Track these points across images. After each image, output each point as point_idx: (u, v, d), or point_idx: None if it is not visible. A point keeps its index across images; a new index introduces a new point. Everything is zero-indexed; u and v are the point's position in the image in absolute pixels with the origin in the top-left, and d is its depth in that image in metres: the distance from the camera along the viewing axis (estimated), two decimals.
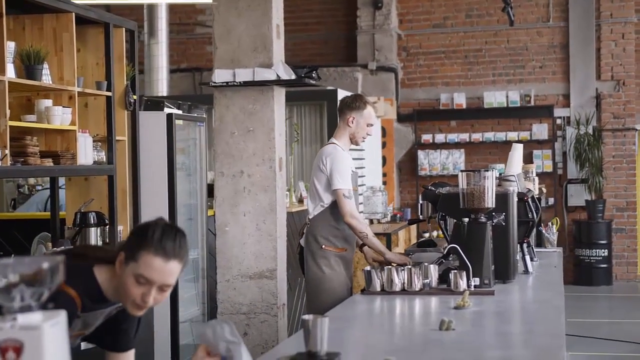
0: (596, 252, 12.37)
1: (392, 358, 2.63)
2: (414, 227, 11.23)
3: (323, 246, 5.26)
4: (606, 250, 12.39)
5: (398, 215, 10.76)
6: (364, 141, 5.54)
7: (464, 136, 12.94)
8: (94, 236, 5.51)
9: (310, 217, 5.36)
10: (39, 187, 8.55)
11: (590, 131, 12.50)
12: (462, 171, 4.51)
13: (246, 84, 5.80)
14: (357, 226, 5.17)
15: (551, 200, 12.67)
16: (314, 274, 5.29)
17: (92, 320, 2.80)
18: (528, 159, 12.54)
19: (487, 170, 4.48)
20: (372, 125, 5.42)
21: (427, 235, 12.03)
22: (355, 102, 5.39)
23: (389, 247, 8.80)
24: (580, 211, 12.79)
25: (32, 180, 8.48)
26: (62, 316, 1.82)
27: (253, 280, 5.78)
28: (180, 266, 2.66)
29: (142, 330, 3.02)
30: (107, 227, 5.69)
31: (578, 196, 12.72)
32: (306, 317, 2.75)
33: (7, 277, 1.79)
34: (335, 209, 5.23)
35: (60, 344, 1.81)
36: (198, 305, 6.94)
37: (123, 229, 5.94)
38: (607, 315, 10.76)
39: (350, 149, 7.12)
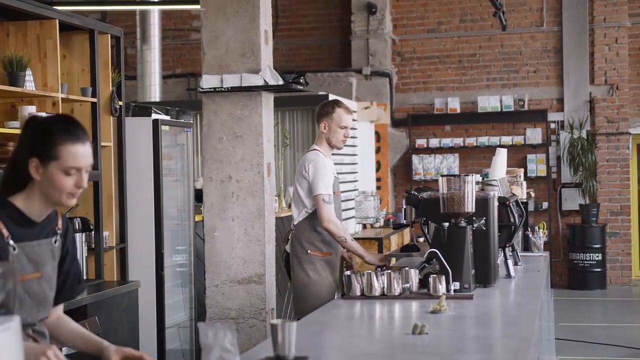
0: (590, 256, 12.37)
1: None
2: (407, 231, 11.23)
3: (308, 251, 5.34)
4: (600, 254, 12.39)
5: (391, 219, 10.77)
6: (344, 144, 5.56)
7: (458, 141, 12.95)
8: (79, 242, 5.52)
9: (295, 222, 5.45)
10: None
11: (584, 135, 12.52)
12: (442, 176, 4.52)
13: (234, 89, 5.82)
14: (335, 231, 5.23)
15: (545, 205, 12.68)
16: (300, 279, 5.34)
17: (37, 256, 2.76)
18: (522, 163, 12.56)
19: (467, 175, 4.49)
20: (345, 127, 5.46)
21: (421, 239, 12.03)
22: (324, 108, 5.50)
23: (380, 251, 8.81)
24: (574, 215, 12.80)
25: None
26: (15, 322, 1.83)
27: (241, 285, 5.78)
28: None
29: (127, 334, 3.02)
30: (92, 232, 5.70)
31: (572, 200, 12.73)
32: (274, 321, 2.77)
33: None
34: None
35: (13, 349, 1.82)
36: (186, 310, 6.95)
37: (109, 235, 5.96)
38: (601, 319, 10.76)
39: (340, 154, 7.15)
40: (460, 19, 13.18)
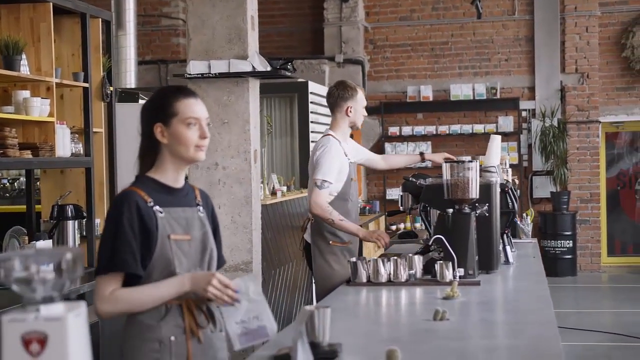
0: (561, 243, 12.51)
1: (395, 347, 2.62)
2: (382, 219, 11.27)
3: (330, 242, 5.23)
4: (571, 241, 12.53)
5: (367, 207, 10.79)
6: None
7: (431, 129, 13.00)
8: (72, 229, 5.44)
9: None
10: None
11: (555, 123, 12.63)
12: (446, 162, 4.52)
13: (221, 75, 5.77)
14: (321, 214, 5.10)
15: (517, 192, 12.77)
16: (323, 271, 5.21)
17: (184, 221, 2.88)
18: None
19: (471, 161, 4.49)
20: (365, 104, 5.51)
21: (394, 227, 12.10)
22: (348, 92, 5.39)
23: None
24: (545, 203, 12.92)
25: (13, 172, 8.38)
26: (83, 307, 1.80)
27: (228, 272, 5.76)
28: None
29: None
30: (85, 220, 5.62)
31: (543, 188, 12.85)
32: (309, 307, 2.75)
33: (29, 269, 1.76)
34: (338, 202, 5.18)
35: (83, 334, 1.79)
36: None
37: (100, 222, 5.88)
38: (572, 305, 10.89)
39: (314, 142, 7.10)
40: (432, 6, 13.21)
